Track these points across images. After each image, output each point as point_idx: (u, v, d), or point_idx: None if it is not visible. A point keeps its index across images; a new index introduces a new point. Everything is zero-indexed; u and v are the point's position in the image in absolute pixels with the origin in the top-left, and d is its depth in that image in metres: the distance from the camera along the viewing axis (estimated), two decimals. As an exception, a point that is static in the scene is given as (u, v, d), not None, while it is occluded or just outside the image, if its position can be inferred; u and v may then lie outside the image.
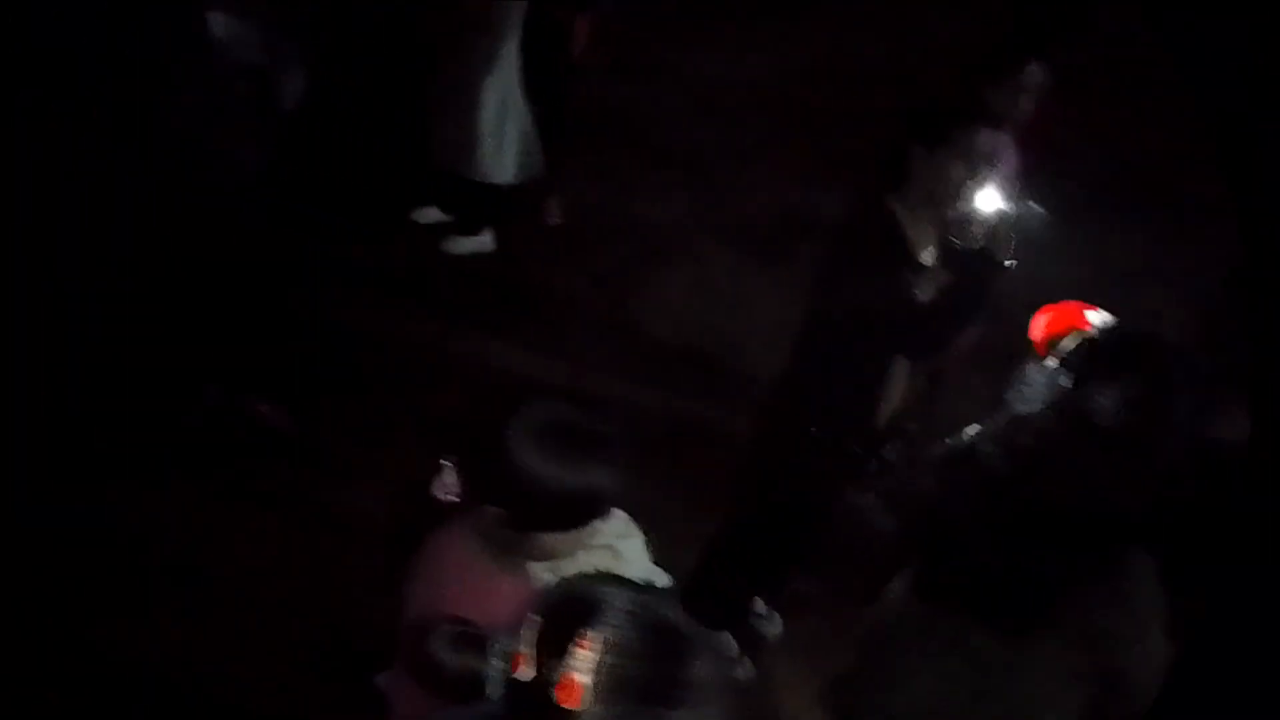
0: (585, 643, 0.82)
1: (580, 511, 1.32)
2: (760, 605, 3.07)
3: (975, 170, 2.29)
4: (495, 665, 1.23)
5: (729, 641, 2.92)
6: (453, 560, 1.42)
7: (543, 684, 0.84)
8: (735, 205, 4.99)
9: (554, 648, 0.84)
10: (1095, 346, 1.63)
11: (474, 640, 1.26)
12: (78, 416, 3.02)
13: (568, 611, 0.86)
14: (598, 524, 1.36)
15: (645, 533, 1.60)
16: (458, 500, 1.37)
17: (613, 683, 0.82)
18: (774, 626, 3.08)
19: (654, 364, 4.01)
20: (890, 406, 2.50)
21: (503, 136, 3.99)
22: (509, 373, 3.59)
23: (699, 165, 5.23)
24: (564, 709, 0.82)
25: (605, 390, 3.76)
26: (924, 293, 2.40)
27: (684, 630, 0.88)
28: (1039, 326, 2.49)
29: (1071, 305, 2.28)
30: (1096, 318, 2.20)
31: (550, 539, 1.36)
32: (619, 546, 1.48)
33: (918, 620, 1.75)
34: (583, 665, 0.81)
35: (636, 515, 1.58)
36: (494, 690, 1.21)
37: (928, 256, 2.42)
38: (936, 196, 2.34)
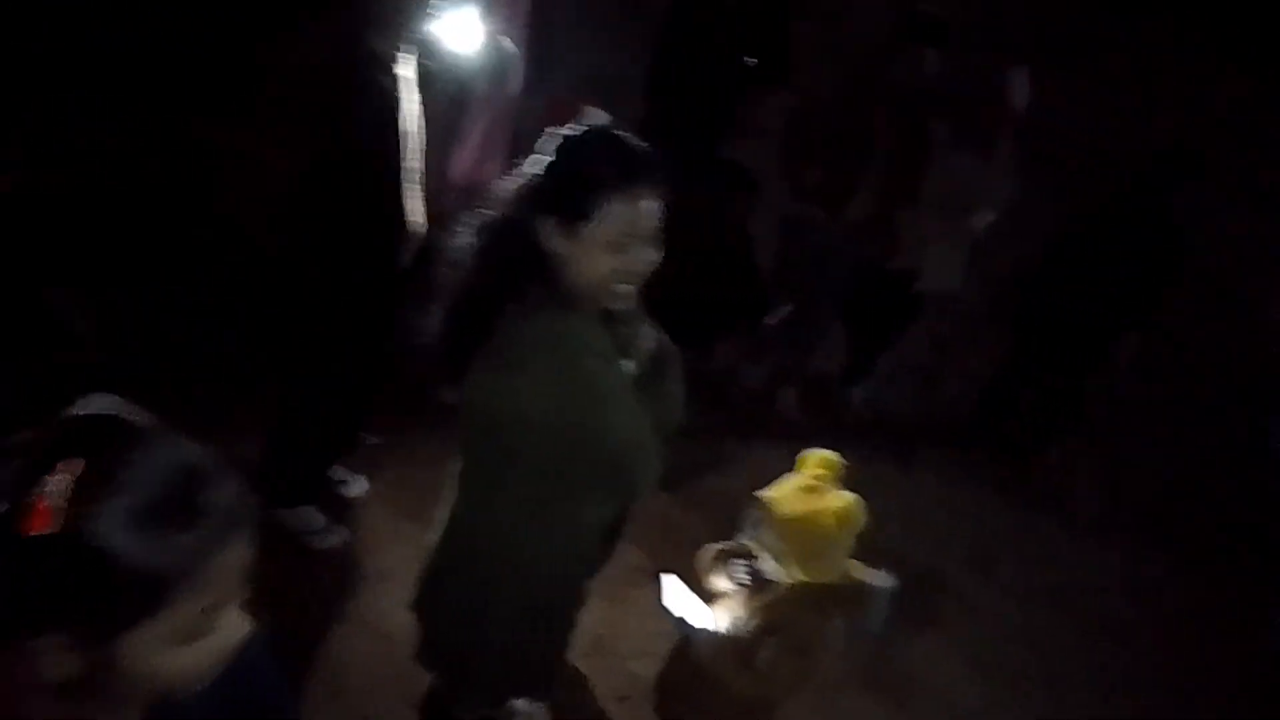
0: (62, 470, 0.78)
1: None
2: (339, 471, 3.00)
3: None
4: None
5: (312, 514, 2.84)
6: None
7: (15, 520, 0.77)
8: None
9: (28, 480, 0.78)
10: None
11: None
12: None
13: (49, 446, 0.80)
14: None
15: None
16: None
17: (109, 510, 0.78)
18: (357, 487, 3.04)
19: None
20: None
21: None
22: None
23: None
24: (37, 537, 0.76)
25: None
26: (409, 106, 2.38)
27: (191, 457, 0.84)
28: (545, 117, 2.64)
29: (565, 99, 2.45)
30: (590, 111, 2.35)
31: None
32: None
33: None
34: (55, 490, 0.77)
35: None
36: None
37: (407, 88, 2.39)
38: (395, 24, 2.29)
